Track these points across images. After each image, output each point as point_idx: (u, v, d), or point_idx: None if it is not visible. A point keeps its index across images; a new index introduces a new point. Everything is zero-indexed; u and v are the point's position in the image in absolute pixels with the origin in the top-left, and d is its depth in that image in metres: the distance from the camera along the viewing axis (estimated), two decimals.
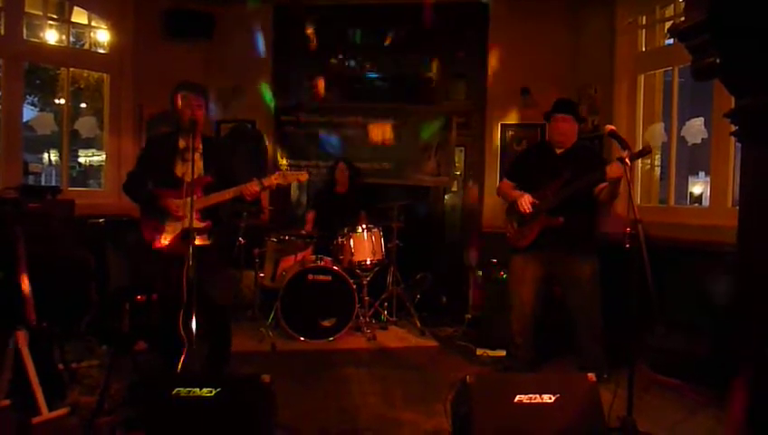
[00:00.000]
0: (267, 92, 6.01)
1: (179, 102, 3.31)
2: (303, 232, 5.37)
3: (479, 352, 4.45)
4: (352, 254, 4.98)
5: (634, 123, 4.94)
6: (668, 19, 4.73)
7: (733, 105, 1.79)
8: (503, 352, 4.23)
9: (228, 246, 4.65)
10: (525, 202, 3.73)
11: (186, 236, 3.09)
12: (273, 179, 3.35)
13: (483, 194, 6.06)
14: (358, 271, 5.05)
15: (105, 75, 5.68)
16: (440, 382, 3.54)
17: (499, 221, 4.14)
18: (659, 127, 4.86)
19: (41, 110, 10.41)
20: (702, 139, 4.62)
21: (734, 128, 1.75)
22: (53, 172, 14.24)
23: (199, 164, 3.29)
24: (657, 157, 5.11)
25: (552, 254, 3.76)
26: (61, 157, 6.29)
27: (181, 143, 3.37)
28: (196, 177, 3.16)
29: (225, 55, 5.95)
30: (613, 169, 3.33)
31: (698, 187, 19.31)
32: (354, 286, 4.80)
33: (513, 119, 5.94)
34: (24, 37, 5.12)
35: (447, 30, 6.09)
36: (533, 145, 5.43)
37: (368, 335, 4.84)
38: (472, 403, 2.47)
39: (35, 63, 6.17)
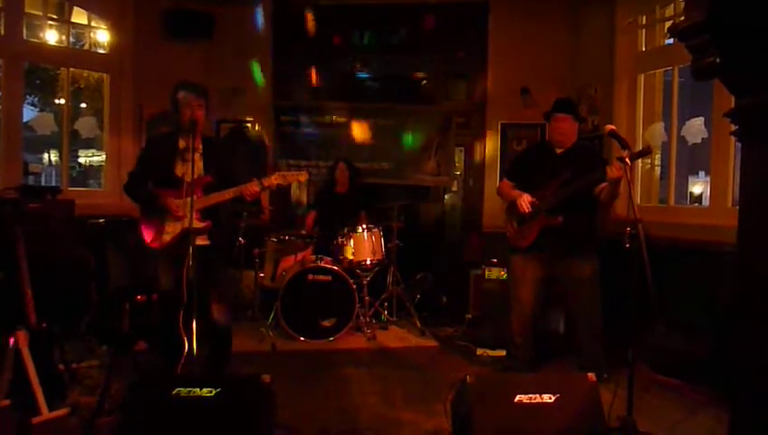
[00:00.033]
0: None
1: (179, 102, 3.31)
2: (304, 232, 5.38)
3: (479, 351, 4.45)
4: (352, 254, 4.98)
5: (634, 123, 4.94)
6: (668, 19, 4.73)
7: (733, 105, 1.79)
8: (503, 352, 4.23)
9: (228, 246, 4.64)
10: (524, 202, 3.73)
11: (186, 236, 3.09)
12: (273, 180, 3.35)
13: (483, 194, 6.06)
14: (358, 271, 5.05)
15: (105, 75, 5.68)
16: (440, 382, 3.54)
17: (499, 221, 4.14)
18: (659, 127, 4.86)
19: (41, 110, 10.42)
20: (702, 138, 4.62)
21: (733, 127, 1.74)
22: (53, 172, 14.25)
23: (199, 164, 3.29)
24: (657, 156, 5.11)
25: (552, 254, 3.76)
26: (61, 157, 6.30)
27: (181, 143, 3.37)
28: (196, 177, 3.16)
29: (225, 55, 5.95)
30: (613, 169, 3.33)
31: (698, 186, 19.33)
32: (354, 286, 4.80)
33: (513, 119, 5.94)
34: (24, 37, 5.13)
35: (447, 30, 6.09)
36: (533, 145, 5.43)
37: (368, 335, 4.84)
38: (472, 403, 2.47)
39: (35, 64, 6.17)
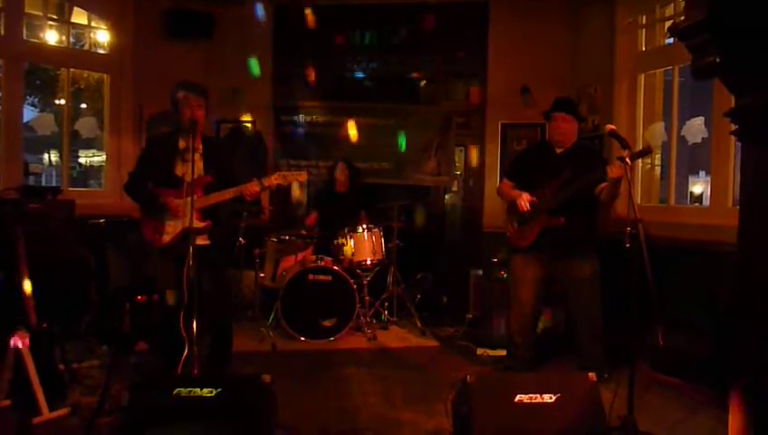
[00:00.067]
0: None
1: (179, 102, 3.31)
2: (304, 232, 5.38)
3: (480, 351, 4.45)
4: (353, 254, 4.98)
5: (634, 123, 4.94)
6: (668, 18, 4.73)
7: (733, 104, 1.79)
8: (503, 352, 4.23)
9: (228, 246, 4.65)
10: (523, 201, 3.73)
11: (186, 235, 3.09)
12: (273, 180, 3.35)
13: (483, 194, 6.06)
14: (358, 271, 5.05)
15: (105, 76, 5.68)
16: (441, 382, 3.54)
17: (499, 221, 4.14)
18: (659, 126, 4.86)
19: (41, 110, 10.43)
20: (702, 138, 4.61)
21: (734, 127, 1.75)
22: (54, 173, 14.26)
23: (199, 164, 3.29)
24: (658, 156, 5.11)
25: (553, 254, 3.76)
26: (61, 157, 6.30)
27: (181, 143, 3.37)
28: (196, 177, 3.16)
29: (225, 55, 5.94)
30: (614, 169, 3.33)
31: (699, 186, 19.33)
32: (354, 286, 4.80)
33: (513, 119, 5.94)
34: (24, 38, 5.12)
35: (447, 30, 6.09)
36: (533, 145, 5.43)
37: (368, 335, 4.84)
38: (472, 403, 2.47)
39: (35, 64, 6.17)
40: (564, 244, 3.70)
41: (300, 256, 5.16)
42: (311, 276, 4.80)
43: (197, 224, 3.12)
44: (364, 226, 5.05)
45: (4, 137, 4.90)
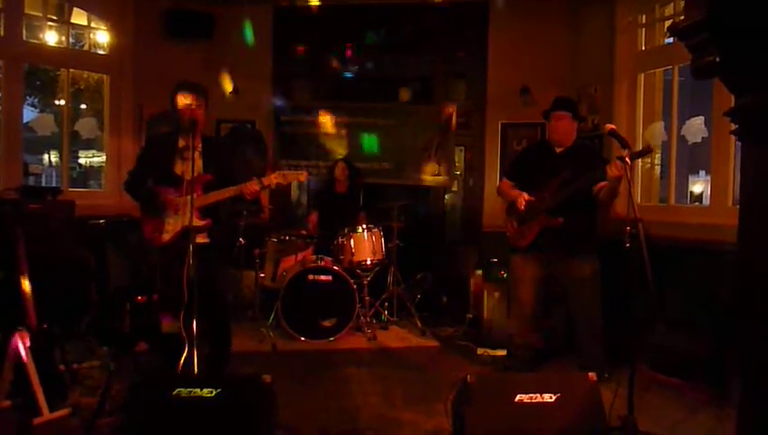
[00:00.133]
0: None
1: (179, 102, 3.31)
2: (304, 232, 5.38)
3: (480, 351, 4.45)
4: (353, 254, 4.98)
5: (634, 122, 4.94)
6: (668, 18, 4.73)
7: (732, 104, 1.79)
8: (503, 352, 4.23)
9: (228, 245, 4.65)
10: (522, 200, 3.74)
11: (185, 234, 3.09)
12: (273, 178, 3.36)
13: (483, 194, 6.06)
14: (358, 271, 5.05)
15: (105, 76, 5.69)
16: (441, 382, 3.55)
17: (499, 221, 4.14)
18: (659, 126, 4.86)
19: (41, 111, 10.43)
20: (702, 137, 4.61)
21: (734, 126, 1.74)
22: (54, 173, 14.28)
23: (199, 163, 3.30)
24: (658, 156, 5.11)
25: (552, 254, 3.76)
26: (61, 158, 6.30)
27: (181, 142, 3.38)
28: (195, 175, 3.16)
29: (225, 55, 5.95)
30: (613, 169, 3.33)
31: (699, 185, 19.32)
32: (355, 286, 4.80)
33: (513, 118, 5.94)
34: (24, 38, 5.13)
35: (447, 30, 6.09)
36: (533, 144, 5.43)
37: (368, 335, 4.84)
38: (472, 403, 2.47)
39: (35, 65, 6.18)
40: (564, 243, 3.70)
41: (300, 256, 5.17)
42: (311, 276, 4.80)
43: (197, 222, 3.12)
44: (364, 226, 5.05)
45: (3, 137, 4.90)
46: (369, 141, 6.09)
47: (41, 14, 5.24)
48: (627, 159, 3.04)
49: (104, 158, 5.89)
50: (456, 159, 6.31)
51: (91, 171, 13.75)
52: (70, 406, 2.88)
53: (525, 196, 3.74)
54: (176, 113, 3.35)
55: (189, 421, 2.41)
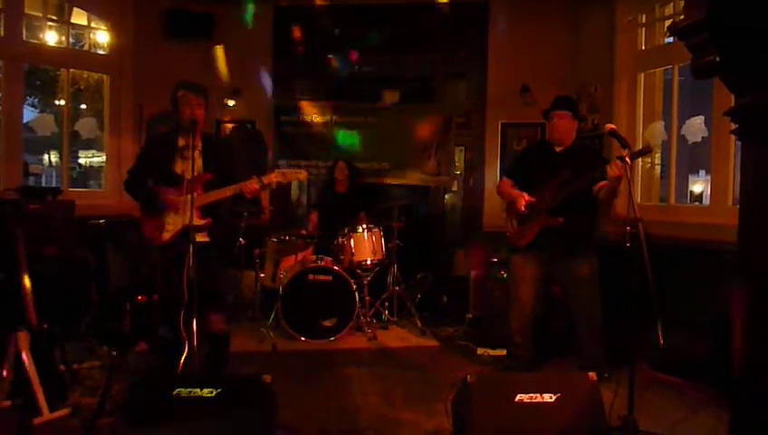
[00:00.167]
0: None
1: (179, 101, 3.31)
2: (304, 232, 5.38)
3: (480, 351, 4.45)
4: (353, 254, 4.98)
5: (634, 122, 4.94)
6: (668, 17, 4.73)
7: (732, 103, 1.79)
8: (503, 352, 4.23)
9: (228, 245, 4.65)
10: (522, 201, 3.73)
11: (186, 233, 3.09)
12: (273, 177, 3.36)
13: (483, 194, 6.06)
14: (358, 271, 5.05)
15: (105, 76, 5.69)
16: (441, 382, 3.54)
17: (499, 221, 4.14)
18: (659, 125, 4.86)
19: (41, 111, 10.45)
20: (702, 137, 4.61)
21: (734, 126, 1.74)
22: (54, 173, 14.29)
23: (199, 162, 3.30)
24: (658, 155, 5.11)
25: (552, 254, 3.76)
26: (61, 158, 6.30)
27: (180, 142, 3.38)
28: (195, 174, 3.16)
29: (224, 55, 5.94)
30: (613, 168, 3.33)
31: (699, 185, 19.31)
32: (355, 286, 4.80)
33: (513, 118, 5.94)
34: (24, 38, 5.13)
35: (447, 30, 6.09)
36: (533, 144, 5.43)
37: (368, 335, 4.84)
38: (473, 403, 2.47)
39: (35, 65, 6.18)
40: (563, 243, 3.70)
41: (300, 256, 5.17)
42: (311, 276, 4.80)
43: (197, 221, 3.12)
44: (364, 226, 5.05)
45: (3, 137, 4.90)
46: (370, 141, 6.09)
47: (41, 14, 5.24)
48: (627, 159, 3.05)
49: (104, 158, 5.89)
50: (456, 159, 6.30)
51: (91, 171, 13.76)
52: (70, 406, 2.88)
53: (526, 196, 3.74)
54: (176, 113, 3.35)
55: (189, 421, 2.41)
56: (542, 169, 3.80)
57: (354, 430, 3.05)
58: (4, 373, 2.64)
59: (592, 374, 2.61)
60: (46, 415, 2.67)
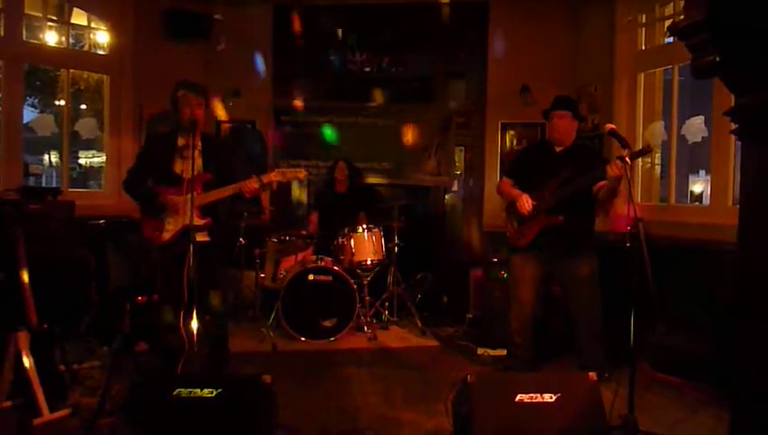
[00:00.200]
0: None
1: (179, 101, 3.32)
2: (305, 232, 5.38)
3: (480, 351, 4.45)
4: (353, 254, 4.98)
5: (634, 122, 4.94)
6: (668, 17, 4.73)
7: (733, 103, 1.79)
8: (504, 352, 4.23)
9: (228, 245, 4.65)
10: (525, 203, 3.73)
11: (186, 233, 3.10)
12: (273, 176, 3.36)
13: (483, 194, 6.06)
14: (358, 271, 5.05)
15: (105, 76, 5.68)
16: (441, 382, 3.54)
17: (499, 221, 4.14)
18: (659, 125, 4.86)
19: (41, 111, 10.45)
20: (702, 137, 4.61)
21: (734, 126, 1.74)
22: (54, 174, 14.30)
23: (198, 162, 3.30)
24: (658, 155, 5.11)
25: (552, 253, 3.76)
26: (61, 158, 6.30)
27: (180, 141, 3.38)
28: (195, 173, 3.16)
29: (224, 55, 5.95)
30: (613, 168, 3.33)
31: (699, 185, 19.30)
32: (355, 286, 4.80)
33: (513, 118, 5.94)
34: (24, 39, 5.12)
35: (447, 30, 6.09)
36: (533, 143, 5.43)
37: (369, 335, 4.84)
38: (473, 403, 2.47)
39: (35, 65, 6.17)
40: (563, 243, 3.70)
41: (300, 256, 5.16)
42: (311, 277, 4.80)
43: (197, 221, 3.12)
44: (364, 226, 5.05)
45: (4, 138, 4.90)
46: (369, 141, 6.09)
47: (41, 15, 5.24)
48: (627, 159, 3.05)
49: (104, 158, 5.89)
50: (456, 159, 6.30)
51: (91, 172, 13.76)
52: (70, 406, 2.88)
53: (527, 198, 3.73)
54: (176, 113, 3.35)
55: (189, 422, 2.41)
56: (542, 168, 3.79)
57: (354, 430, 3.05)
58: (5, 373, 2.64)
59: (592, 374, 2.61)
60: (46, 415, 2.67)
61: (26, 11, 5.10)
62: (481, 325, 4.69)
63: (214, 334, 3.43)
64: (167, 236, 3.31)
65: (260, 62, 5.97)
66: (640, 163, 4.88)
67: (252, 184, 3.29)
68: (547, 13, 5.77)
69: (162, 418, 2.41)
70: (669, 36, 4.63)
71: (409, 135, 6.11)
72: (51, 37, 5.48)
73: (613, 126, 3.21)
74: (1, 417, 2.47)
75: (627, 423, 2.73)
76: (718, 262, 3.46)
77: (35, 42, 5.32)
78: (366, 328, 4.91)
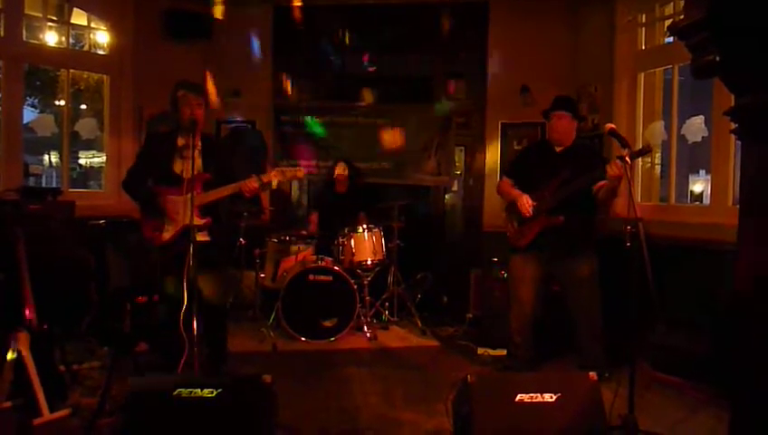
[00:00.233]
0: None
1: (179, 101, 3.32)
2: (305, 232, 5.38)
3: (480, 351, 4.45)
4: (353, 254, 4.98)
5: (634, 122, 4.94)
6: (668, 17, 4.73)
7: (732, 103, 1.79)
8: (504, 352, 4.23)
9: (228, 245, 4.65)
10: (525, 205, 3.73)
11: (186, 232, 3.10)
12: (272, 175, 3.36)
13: (483, 194, 6.06)
14: (359, 271, 5.05)
15: (105, 76, 5.68)
16: (441, 382, 3.54)
17: (500, 221, 4.14)
18: (659, 125, 4.86)
19: (41, 111, 10.45)
20: (702, 137, 4.61)
21: (733, 126, 1.74)
22: (54, 174, 14.29)
23: (198, 162, 3.30)
24: (658, 155, 5.11)
25: (552, 253, 3.76)
26: (61, 158, 6.30)
27: (180, 141, 3.38)
28: (195, 173, 3.16)
29: (224, 55, 5.95)
30: (613, 168, 3.33)
31: (699, 185, 19.29)
32: (355, 286, 4.80)
33: (513, 118, 5.94)
34: (24, 39, 5.12)
35: (447, 30, 6.09)
36: (533, 143, 5.43)
37: (369, 335, 4.84)
38: (473, 403, 2.47)
39: (35, 65, 6.17)
40: (563, 243, 3.70)
41: (300, 256, 5.17)
42: (311, 277, 4.80)
43: (197, 220, 3.12)
44: (364, 226, 5.05)
45: (4, 138, 4.90)
46: (369, 141, 6.09)
47: (41, 15, 5.24)
48: (627, 159, 3.05)
49: (104, 158, 5.89)
50: (456, 159, 6.30)
51: (91, 172, 13.76)
52: (70, 406, 2.88)
53: (527, 199, 3.73)
54: (176, 113, 3.35)
55: (190, 422, 2.41)
56: (542, 168, 3.80)
57: (354, 430, 3.05)
58: (5, 373, 2.64)
59: (593, 374, 2.61)
60: (46, 415, 2.66)
61: (26, 11, 5.10)
62: (481, 325, 4.69)
63: (214, 334, 3.43)
64: (167, 235, 3.31)
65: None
66: (640, 163, 4.88)
67: (251, 183, 3.29)
68: (547, 13, 5.77)
69: (162, 418, 2.41)
70: (669, 36, 4.63)
71: (409, 135, 6.10)
72: (51, 37, 5.48)
73: (613, 126, 3.22)
74: (1, 417, 2.47)
75: (627, 423, 2.73)
76: (718, 262, 3.46)
77: (35, 42, 5.32)
78: (366, 328, 4.91)
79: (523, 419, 2.47)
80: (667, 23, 4.69)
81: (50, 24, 5.39)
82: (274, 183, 3.40)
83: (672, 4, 4.68)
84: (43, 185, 13.41)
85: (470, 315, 5.08)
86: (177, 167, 3.35)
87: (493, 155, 6.03)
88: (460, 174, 6.42)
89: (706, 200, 10.84)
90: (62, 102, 6.16)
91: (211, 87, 5.64)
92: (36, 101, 11.03)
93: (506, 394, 2.51)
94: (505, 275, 4.29)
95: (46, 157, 14.87)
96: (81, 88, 8.30)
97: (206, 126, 3.58)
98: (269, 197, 5.93)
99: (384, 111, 6.15)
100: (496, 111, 6.00)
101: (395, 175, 6.09)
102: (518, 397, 2.49)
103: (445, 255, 6.18)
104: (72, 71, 5.61)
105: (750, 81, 1.63)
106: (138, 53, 5.64)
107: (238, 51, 5.98)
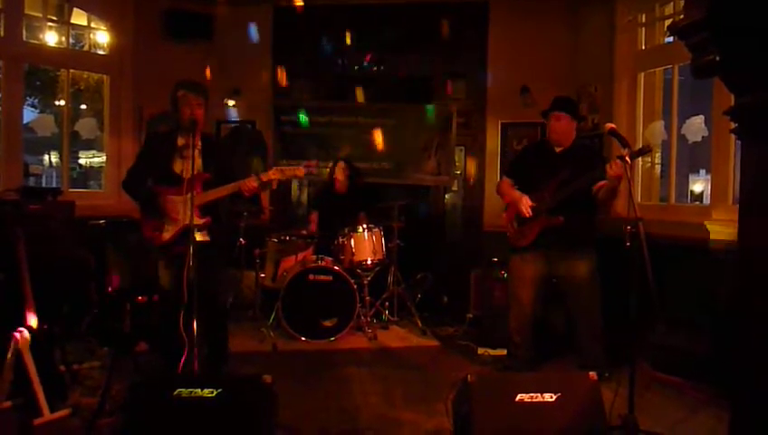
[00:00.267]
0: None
1: (179, 101, 3.32)
2: (305, 232, 5.37)
3: (480, 351, 4.45)
4: (353, 254, 4.98)
5: (634, 121, 4.94)
6: (668, 17, 4.73)
7: (733, 103, 1.79)
8: (504, 352, 4.22)
9: (228, 245, 4.65)
10: (525, 206, 3.73)
11: (186, 232, 3.09)
12: (272, 174, 3.36)
13: (483, 193, 6.06)
14: (359, 271, 5.04)
15: (105, 76, 5.69)
16: (441, 382, 3.54)
17: (500, 221, 4.14)
18: (659, 125, 4.86)
19: (41, 111, 10.45)
20: (702, 136, 4.61)
21: (733, 125, 1.74)
22: (54, 174, 14.30)
23: (198, 162, 3.30)
24: (658, 155, 5.11)
25: (552, 253, 3.76)
26: (61, 158, 6.30)
27: (180, 141, 3.38)
28: (195, 173, 3.16)
29: (224, 56, 5.95)
30: (613, 168, 3.32)
31: (699, 185, 19.30)
32: (355, 286, 4.80)
33: (513, 118, 5.94)
34: (24, 39, 5.13)
35: (447, 30, 6.09)
36: (533, 143, 5.42)
37: (369, 335, 4.84)
38: (473, 403, 2.47)
39: (35, 65, 6.18)
40: (564, 243, 3.70)
41: (300, 256, 5.16)
42: (311, 276, 4.80)
43: (197, 220, 3.12)
44: (364, 225, 5.05)
45: (4, 138, 4.90)
46: (369, 141, 6.09)
47: (41, 15, 5.24)
48: (627, 159, 3.04)
49: (104, 158, 5.89)
50: (456, 159, 6.30)
51: (91, 172, 13.77)
52: (70, 406, 2.88)
53: (526, 200, 3.73)
54: (176, 113, 3.35)
55: (190, 422, 2.41)
56: (542, 168, 3.80)
57: (354, 430, 3.05)
58: (5, 373, 2.64)
59: (593, 374, 2.61)
60: (46, 415, 2.67)
61: (26, 11, 5.11)
62: (481, 325, 4.69)
63: (214, 334, 3.43)
64: (167, 235, 3.31)
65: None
66: (640, 163, 4.88)
67: (251, 182, 3.29)
68: (547, 13, 5.78)
69: (162, 418, 2.41)
70: (669, 36, 4.63)
71: (409, 135, 6.09)
72: (51, 37, 5.48)
73: (613, 125, 3.21)
74: (1, 417, 2.47)
75: (627, 423, 2.73)
76: (718, 262, 3.46)
77: (35, 42, 5.33)
78: (366, 328, 4.91)
79: (523, 419, 2.47)
80: (667, 23, 4.69)
81: (50, 24, 5.39)
82: (274, 182, 3.39)
83: (672, 4, 4.68)
84: (43, 185, 13.42)
85: (470, 315, 5.07)
86: (177, 167, 3.35)
87: (493, 155, 6.03)
88: (460, 174, 6.42)
89: (707, 200, 10.85)
90: (62, 102, 6.16)
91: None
92: (36, 101, 11.03)
93: (506, 394, 2.51)
94: (505, 275, 4.30)
95: (46, 157, 14.88)
96: (81, 88, 8.30)
97: (206, 126, 3.58)
98: (269, 196, 5.93)
99: (384, 110, 6.15)
100: (496, 111, 6.00)
101: (395, 175, 6.09)
102: (518, 397, 2.49)
103: (445, 255, 6.18)
104: (72, 71, 5.62)
105: (750, 80, 1.63)
106: (138, 53, 5.64)
107: (238, 51, 5.98)
